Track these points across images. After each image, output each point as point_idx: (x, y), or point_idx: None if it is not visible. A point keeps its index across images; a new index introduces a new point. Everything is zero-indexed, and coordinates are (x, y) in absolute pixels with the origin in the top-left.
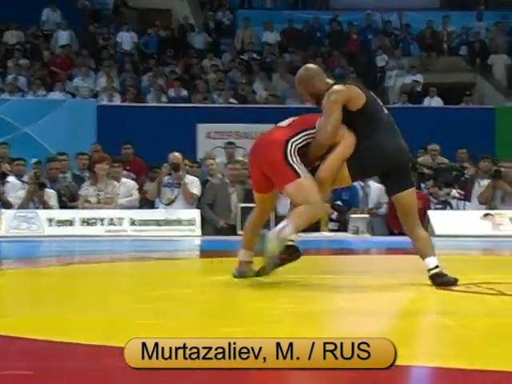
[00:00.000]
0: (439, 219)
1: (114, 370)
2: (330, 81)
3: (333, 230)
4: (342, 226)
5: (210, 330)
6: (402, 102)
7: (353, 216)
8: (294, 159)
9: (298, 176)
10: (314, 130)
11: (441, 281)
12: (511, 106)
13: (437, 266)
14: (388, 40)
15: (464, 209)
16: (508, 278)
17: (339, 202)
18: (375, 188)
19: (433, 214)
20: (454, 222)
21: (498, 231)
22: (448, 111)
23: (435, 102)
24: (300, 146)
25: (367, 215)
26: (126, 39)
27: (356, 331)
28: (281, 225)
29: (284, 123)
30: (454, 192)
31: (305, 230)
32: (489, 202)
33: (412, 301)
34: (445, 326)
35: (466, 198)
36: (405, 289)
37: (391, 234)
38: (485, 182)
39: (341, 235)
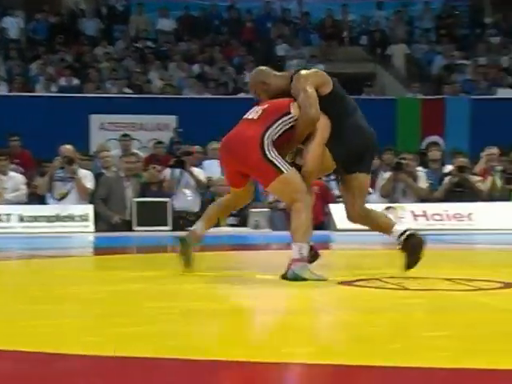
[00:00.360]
0: (341, 213)
1: None
2: (287, 73)
3: (232, 225)
4: (242, 221)
5: (104, 330)
6: None
7: (253, 210)
8: (273, 154)
9: (280, 171)
10: (289, 116)
11: (414, 240)
12: (412, 97)
13: (406, 230)
14: (288, 29)
15: (370, 202)
16: (410, 273)
17: None
18: None
19: (334, 208)
20: None
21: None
22: None
23: None
24: (276, 137)
25: (267, 209)
26: (12, 25)
27: (257, 329)
28: (294, 252)
29: (254, 115)
30: None
31: None
32: (390, 195)
33: (313, 297)
34: (347, 323)
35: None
36: (305, 285)
37: None
38: (387, 175)
39: (241, 230)
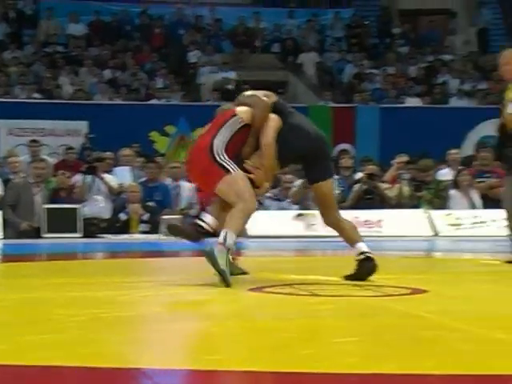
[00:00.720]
0: (251, 219)
1: None
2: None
3: (144, 232)
4: (154, 228)
5: (10, 338)
6: (214, 100)
7: (164, 217)
8: (222, 157)
9: (228, 172)
10: (236, 117)
11: (369, 265)
12: (323, 105)
13: (369, 252)
14: (200, 35)
15: (282, 209)
16: (320, 279)
17: (151, 203)
18: (186, 188)
19: None
20: (267, 223)
21: (311, 231)
22: None
23: None
24: (228, 139)
25: (179, 216)
26: None
27: (167, 337)
28: (220, 236)
29: (204, 129)
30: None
31: (114, 232)
32: (301, 202)
33: (223, 303)
34: (257, 329)
35: (281, 197)
36: (215, 291)
37: None
38: (298, 182)
39: (152, 237)
